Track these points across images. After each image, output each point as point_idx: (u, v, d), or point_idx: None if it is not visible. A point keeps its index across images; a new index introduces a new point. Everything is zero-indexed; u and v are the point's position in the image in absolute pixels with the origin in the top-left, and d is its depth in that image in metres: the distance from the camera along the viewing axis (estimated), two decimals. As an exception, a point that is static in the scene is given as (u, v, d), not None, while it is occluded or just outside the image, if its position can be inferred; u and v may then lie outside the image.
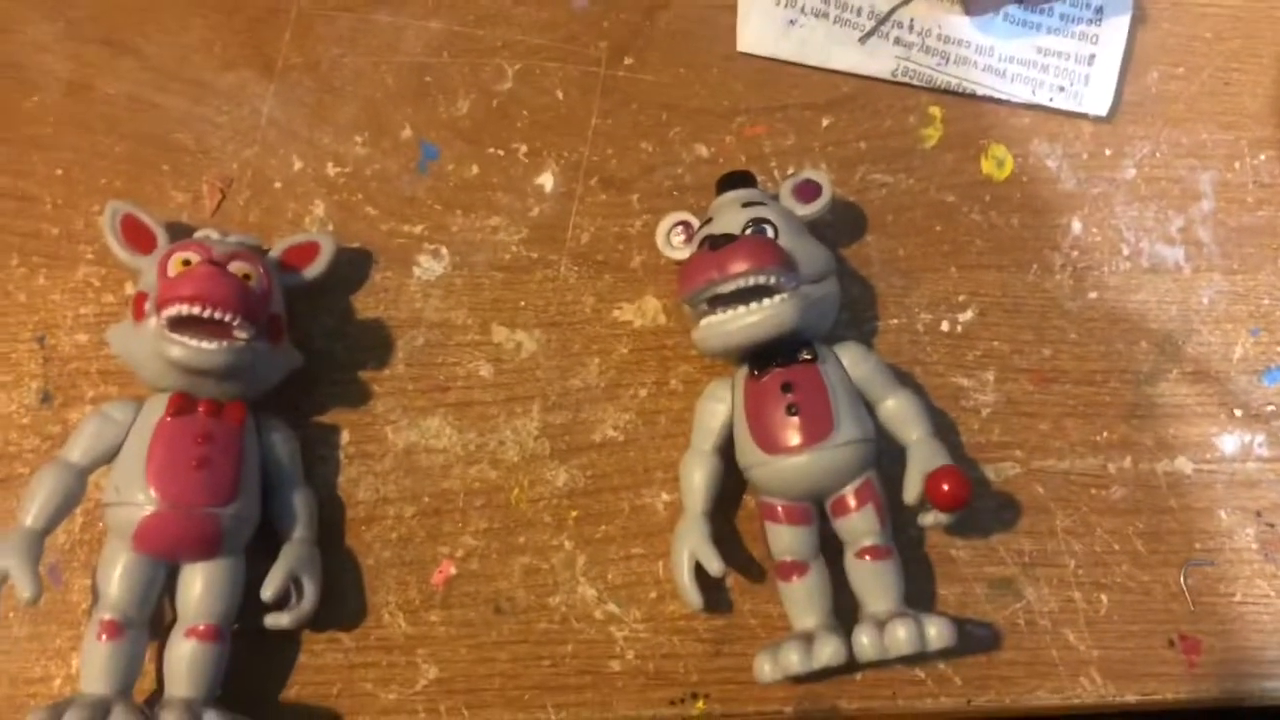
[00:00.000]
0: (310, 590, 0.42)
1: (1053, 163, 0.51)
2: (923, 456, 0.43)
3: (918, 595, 0.45)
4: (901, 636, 0.40)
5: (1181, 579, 0.47)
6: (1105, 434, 0.48)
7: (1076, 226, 0.51)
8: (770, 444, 0.42)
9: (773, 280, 0.41)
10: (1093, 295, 0.50)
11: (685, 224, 0.46)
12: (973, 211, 0.50)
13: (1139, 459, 0.48)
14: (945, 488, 0.41)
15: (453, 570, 0.44)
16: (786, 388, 0.42)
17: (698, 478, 0.43)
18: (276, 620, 0.41)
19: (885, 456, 0.44)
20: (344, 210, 0.48)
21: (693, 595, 0.42)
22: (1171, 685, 0.46)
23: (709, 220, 0.45)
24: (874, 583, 0.43)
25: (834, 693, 0.44)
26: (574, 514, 0.45)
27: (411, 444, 0.46)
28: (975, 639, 0.46)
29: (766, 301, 0.41)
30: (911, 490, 0.43)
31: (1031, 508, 0.47)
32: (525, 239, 0.48)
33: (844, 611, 0.43)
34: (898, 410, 0.44)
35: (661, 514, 0.46)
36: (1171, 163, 0.52)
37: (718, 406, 0.44)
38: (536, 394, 0.47)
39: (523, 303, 0.47)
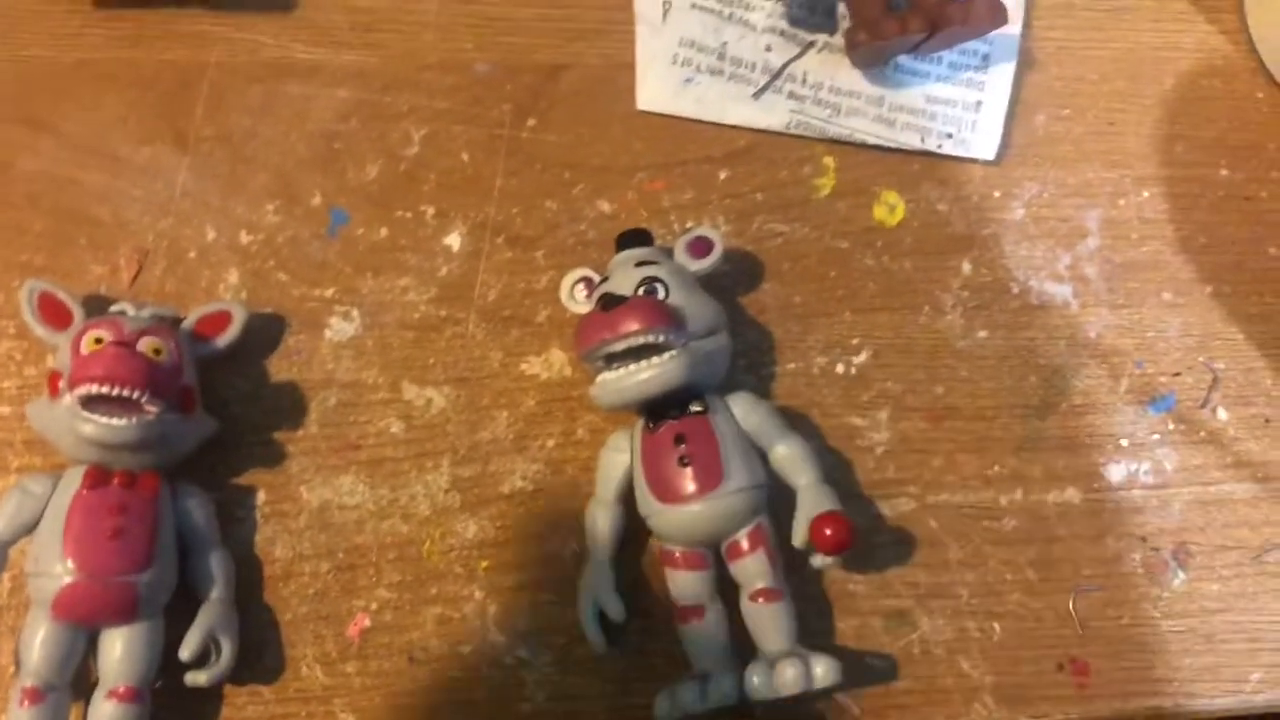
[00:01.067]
0: (228, 649, 0.44)
1: (943, 206, 0.53)
2: (809, 501, 0.45)
3: (818, 629, 0.47)
4: (789, 676, 0.42)
5: (1071, 605, 0.49)
6: (997, 467, 0.50)
7: (967, 267, 0.53)
8: (664, 494, 0.44)
9: (661, 339, 0.43)
10: (983, 334, 0.52)
11: (587, 279, 0.48)
12: (866, 257, 0.52)
13: (1029, 490, 0.50)
14: (828, 532, 0.43)
15: (367, 622, 0.46)
16: (679, 439, 0.44)
17: (601, 525, 0.45)
18: (195, 679, 0.43)
19: (782, 499, 0.46)
20: (257, 277, 0.50)
21: (597, 639, 0.45)
22: (1062, 707, 0.48)
23: (605, 279, 0.47)
24: (767, 624, 0.45)
25: (738, 727, 0.46)
26: (484, 564, 0.47)
27: (325, 501, 0.47)
28: (874, 670, 0.48)
29: (656, 359, 0.43)
30: (798, 535, 0.44)
31: (926, 541, 0.49)
32: (434, 298, 0.50)
33: (748, 649, 0.45)
34: (787, 457, 0.46)
35: (569, 562, 0.47)
36: (1059, 202, 0.54)
37: (618, 457, 0.46)
38: (447, 449, 0.48)
39: (432, 360, 0.49)
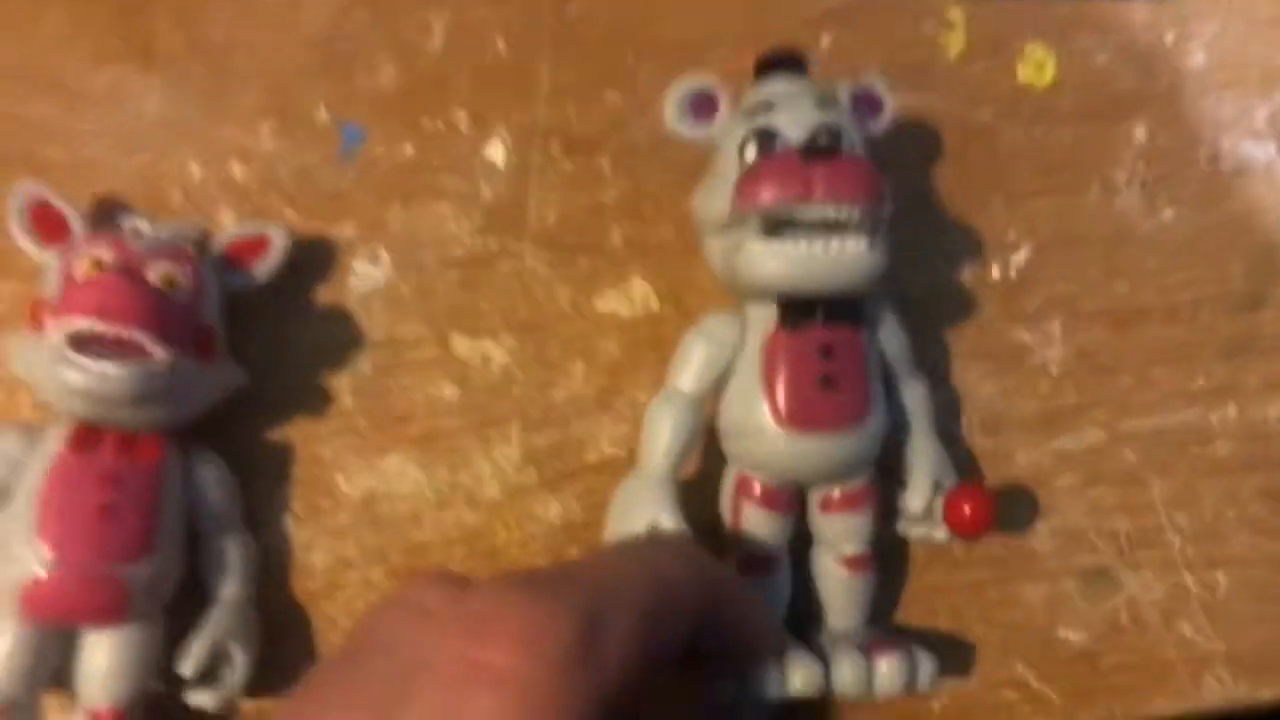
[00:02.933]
0: (241, 662, 0.35)
1: (1104, 58, 0.42)
2: (934, 462, 0.36)
3: (995, 601, 0.38)
4: (888, 674, 0.33)
5: (1314, 542, 0.39)
6: (1202, 379, 0.40)
7: (1141, 132, 0.42)
8: (790, 416, 0.34)
9: (869, 221, 0.33)
10: (1169, 213, 0.41)
11: (707, 97, 0.36)
12: (1014, 129, 0.42)
13: (1245, 404, 0.40)
14: (967, 510, 0.34)
15: (437, 639, 0.37)
16: (825, 353, 0.34)
17: (668, 429, 0.35)
18: (198, 698, 0.34)
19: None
20: (258, 216, 0.40)
21: None
22: (1316, 674, 0.38)
23: (765, 106, 0.35)
24: (849, 595, 0.36)
25: (908, 732, 0.37)
26: (574, 551, 0.38)
27: (370, 492, 0.38)
28: (1070, 645, 0.38)
29: (853, 243, 0.33)
30: (919, 498, 0.36)
31: (1123, 479, 0.39)
32: (479, 227, 0.40)
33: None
34: (914, 399, 0.37)
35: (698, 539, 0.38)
36: (1248, 39, 0.43)
37: (719, 350, 0.35)
38: (514, 414, 0.39)
39: (485, 305, 0.39)
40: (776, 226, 0.33)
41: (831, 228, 0.32)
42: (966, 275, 0.40)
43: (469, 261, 0.40)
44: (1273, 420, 0.40)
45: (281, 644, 0.36)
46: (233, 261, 0.37)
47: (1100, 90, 0.42)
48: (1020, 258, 0.41)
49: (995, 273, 0.40)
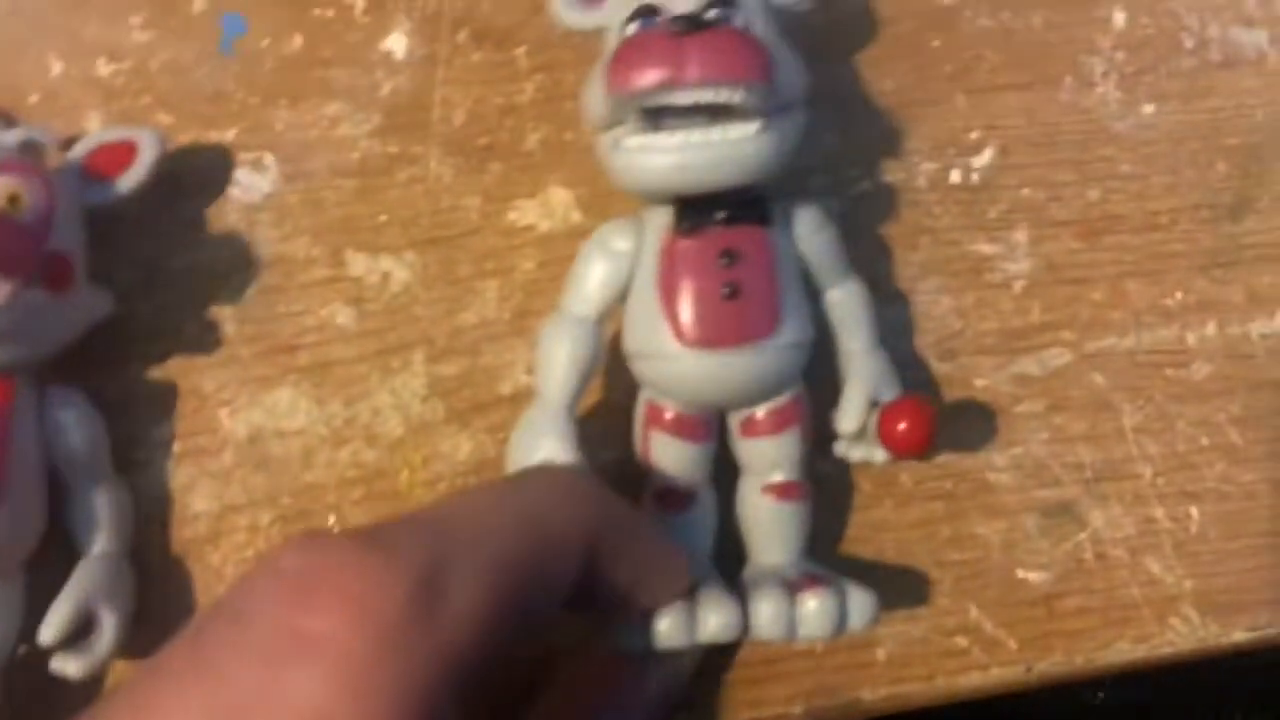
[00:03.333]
0: (111, 624, 0.31)
1: (1080, -67, 0.38)
2: (871, 374, 0.32)
3: (947, 539, 0.35)
4: (814, 611, 0.29)
5: (1293, 472, 0.36)
6: (1179, 294, 0.36)
7: (1119, 18, 0.38)
8: (691, 332, 0.30)
9: (756, 102, 0.28)
10: (1149, 109, 0.37)
11: None
12: (979, 14, 0.37)
13: (1226, 322, 0.36)
14: (902, 427, 0.30)
15: (334, 588, 0.33)
16: (727, 257, 0.30)
17: (564, 354, 0.31)
18: (63, 666, 0.31)
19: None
20: (127, 120, 0.35)
21: None
22: (1291, 612, 0.35)
23: None
24: (781, 530, 0.32)
25: (849, 682, 0.34)
26: (488, 491, 0.34)
27: (257, 428, 0.34)
28: (1029, 586, 0.35)
29: (736, 129, 0.29)
30: (852, 416, 0.32)
31: (1090, 404, 0.36)
32: (377, 128, 0.36)
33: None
34: (848, 305, 0.33)
35: (609, 475, 0.34)
36: (1241, -88, 0.38)
37: (613, 262, 0.31)
38: (418, 339, 0.35)
39: (384, 217, 0.35)
40: (656, 115, 0.29)
41: (719, 113, 0.28)
42: (922, 179, 0.36)
43: (366, 168, 0.35)
44: (1255, 339, 0.36)
45: (161, 599, 0.33)
46: (94, 173, 0.33)
47: (1076, -30, 0.38)
48: (983, 160, 0.37)
49: (955, 176, 0.36)
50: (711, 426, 0.32)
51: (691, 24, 0.28)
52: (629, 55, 0.28)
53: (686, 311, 0.30)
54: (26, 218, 0.30)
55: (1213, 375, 0.36)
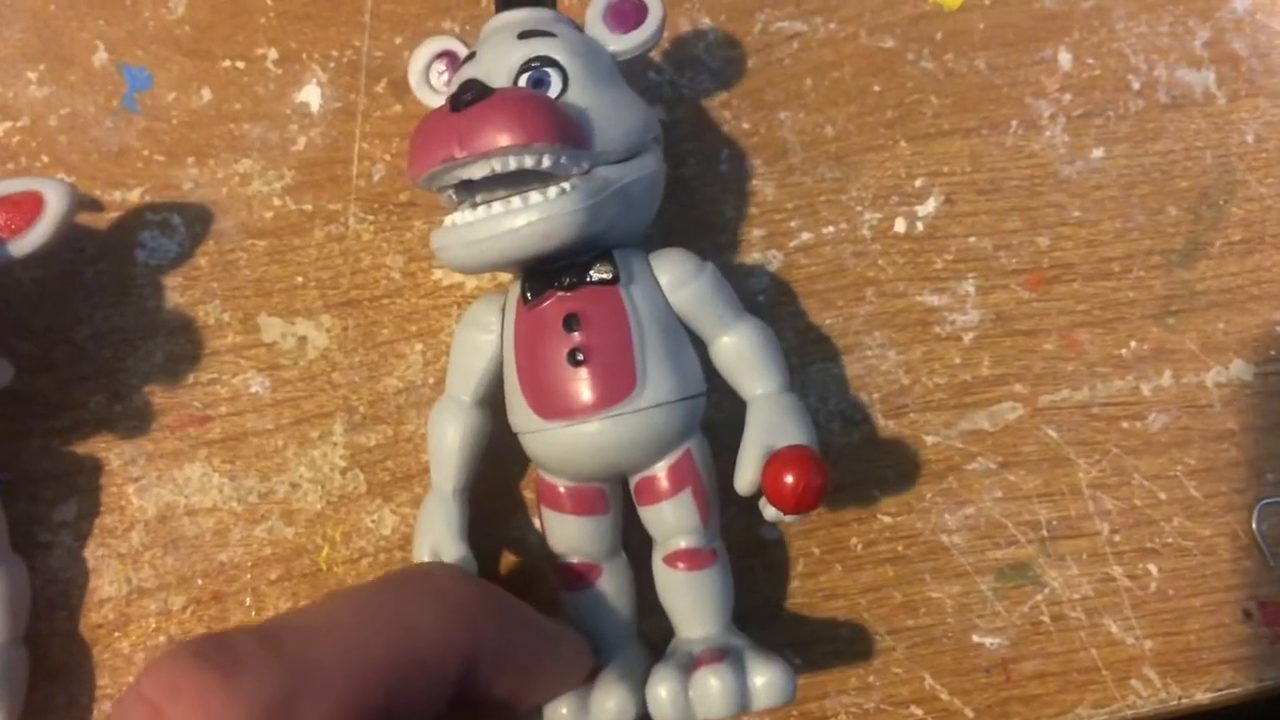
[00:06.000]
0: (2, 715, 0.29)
1: (1023, -28, 0.37)
2: (765, 423, 0.30)
3: (899, 604, 0.33)
4: (714, 690, 0.27)
5: (1254, 525, 0.34)
6: (1133, 343, 0.35)
7: (1065, 59, 0.37)
8: (546, 405, 0.29)
9: (546, 160, 0.27)
10: (1098, 153, 0.36)
11: (451, 55, 0.32)
12: (922, 58, 0.36)
13: (1181, 371, 0.35)
14: (788, 480, 0.28)
15: (251, 676, 0.31)
16: (570, 322, 0.29)
17: (451, 438, 0.30)
18: None
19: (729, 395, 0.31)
20: (25, 181, 0.33)
21: None
22: (1255, 670, 0.34)
23: (471, 54, 0.30)
24: (689, 600, 0.30)
25: (799, 758, 0.32)
26: (413, 568, 0.32)
27: (167, 506, 0.32)
28: (986, 651, 0.33)
29: (536, 195, 0.28)
30: (745, 474, 0.29)
31: (1044, 460, 0.35)
32: (292, 185, 0.34)
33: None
34: (736, 350, 0.30)
35: (535, 549, 0.32)
36: (1185, -51, 0.37)
37: (481, 338, 0.30)
38: (337, 407, 0.33)
39: (300, 278, 0.33)
40: (469, 191, 0.28)
41: (522, 177, 0.27)
42: (865, 229, 0.35)
43: (280, 227, 0.34)
44: (1211, 388, 0.35)
45: (65, 688, 0.31)
46: None
47: (1019, 9, 0.37)
48: (928, 208, 0.35)
49: (900, 225, 0.35)
50: (607, 497, 0.30)
51: (463, 99, 0.27)
52: (414, 139, 0.28)
53: (537, 383, 0.29)
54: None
55: (1169, 426, 0.35)
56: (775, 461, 0.28)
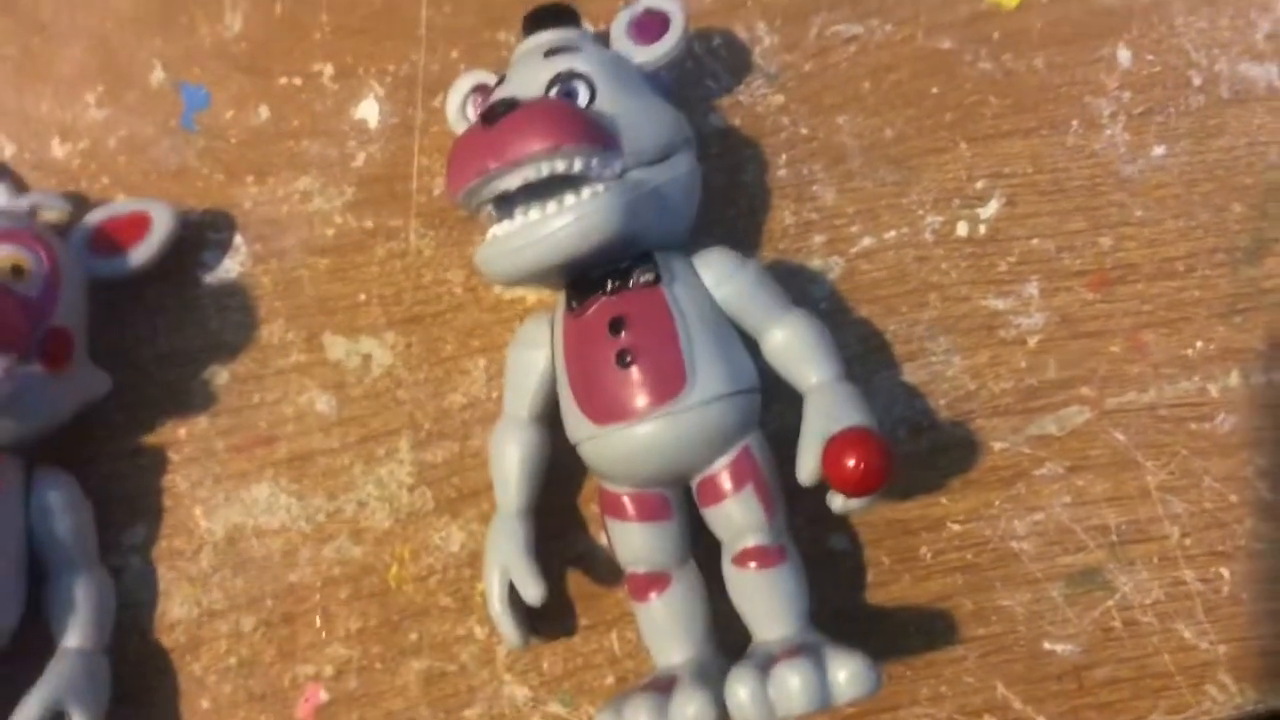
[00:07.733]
0: None
1: (1080, -31, 0.36)
2: (822, 412, 0.29)
3: (970, 613, 0.33)
4: (794, 689, 0.27)
5: (1328, 525, 0.34)
6: (1200, 343, 0.35)
7: (1124, 56, 0.36)
8: (599, 409, 0.29)
9: (578, 165, 0.28)
10: (1159, 151, 0.36)
11: (483, 89, 0.33)
12: (980, 59, 0.36)
13: (1249, 371, 0.35)
14: (850, 463, 0.27)
15: (323, 695, 0.32)
16: (616, 326, 0.29)
17: (512, 458, 0.31)
18: None
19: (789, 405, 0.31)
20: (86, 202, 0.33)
21: (508, 628, 0.30)
22: (1332, 674, 0.34)
23: (503, 77, 0.31)
24: (761, 600, 0.30)
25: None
26: (481, 585, 0.32)
27: (235, 527, 0.32)
28: (1058, 658, 0.33)
29: (571, 199, 0.28)
30: (806, 464, 0.29)
31: (1112, 463, 0.34)
32: (352, 201, 0.34)
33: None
34: (788, 343, 0.30)
35: (604, 566, 0.32)
36: (1244, -58, 0.37)
37: (532, 355, 0.31)
38: (403, 425, 0.33)
39: (363, 296, 0.34)
40: (508, 205, 0.29)
41: (556, 184, 0.28)
42: (927, 233, 0.35)
43: (341, 245, 0.34)
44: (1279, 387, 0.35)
45: (139, 711, 0.31)
46: (103, 245, 0.31)
47: (1077, 8, 0.36)
48: (990, 210, 0.35)
49: (962, 229, 0.35)
50: (670, 503, 0.30)
51: (494, 114, 0.28)
52: (451, 158, 0.29)
53: (589, 389, 0.29)
54: (29, 289, 0.29)
55: (1238, 427, 0.35)
56: (834, 445, 0.28)
